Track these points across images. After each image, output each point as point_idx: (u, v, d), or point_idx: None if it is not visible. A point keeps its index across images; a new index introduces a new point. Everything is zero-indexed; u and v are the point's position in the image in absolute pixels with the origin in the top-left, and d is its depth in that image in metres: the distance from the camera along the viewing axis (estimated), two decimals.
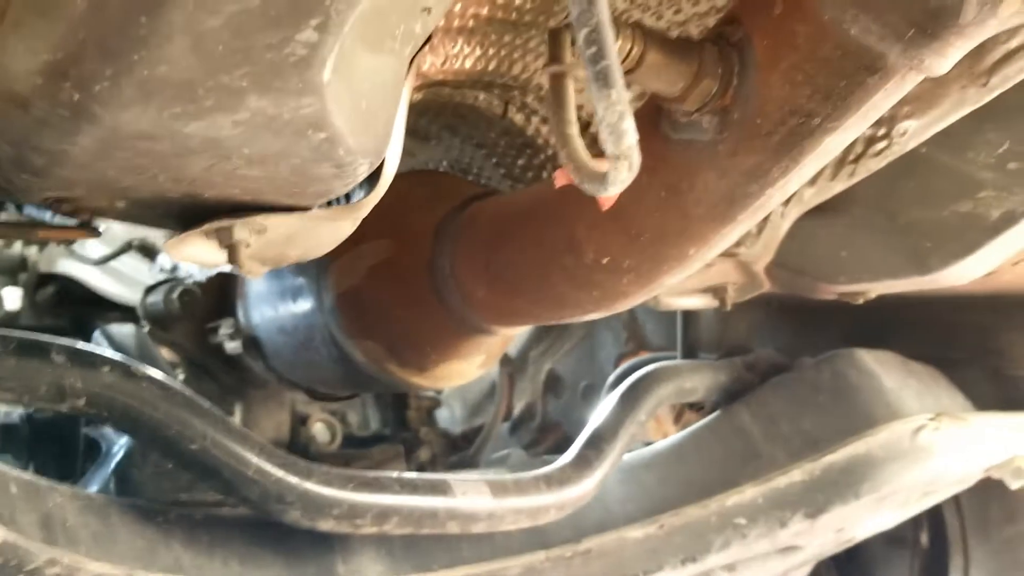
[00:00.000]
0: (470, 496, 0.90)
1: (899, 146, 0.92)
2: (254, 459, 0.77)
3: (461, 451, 1.77)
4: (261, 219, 0.67)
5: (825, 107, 0.68)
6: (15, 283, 1.96)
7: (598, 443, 1.05)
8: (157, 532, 0.76)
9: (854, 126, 0.70)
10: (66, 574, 0.65)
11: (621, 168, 0.52)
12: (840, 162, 0.94)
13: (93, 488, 0.86)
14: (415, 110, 0.89)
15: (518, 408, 1.94)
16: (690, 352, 1.50)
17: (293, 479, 0.79)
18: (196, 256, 0.70)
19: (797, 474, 1.12)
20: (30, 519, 0.68)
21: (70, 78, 0.46)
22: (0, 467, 0.71)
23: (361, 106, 0.56)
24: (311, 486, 0.79)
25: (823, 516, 1.11)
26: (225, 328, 1.25)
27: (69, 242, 0.82)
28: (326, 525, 0.80)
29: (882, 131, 0.92)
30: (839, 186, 0.95)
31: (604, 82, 0.49)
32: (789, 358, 1.32)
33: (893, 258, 1.05)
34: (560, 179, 0.63)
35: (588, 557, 1.00)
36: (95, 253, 1.70)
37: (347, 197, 0.73)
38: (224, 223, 0.65)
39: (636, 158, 0.52)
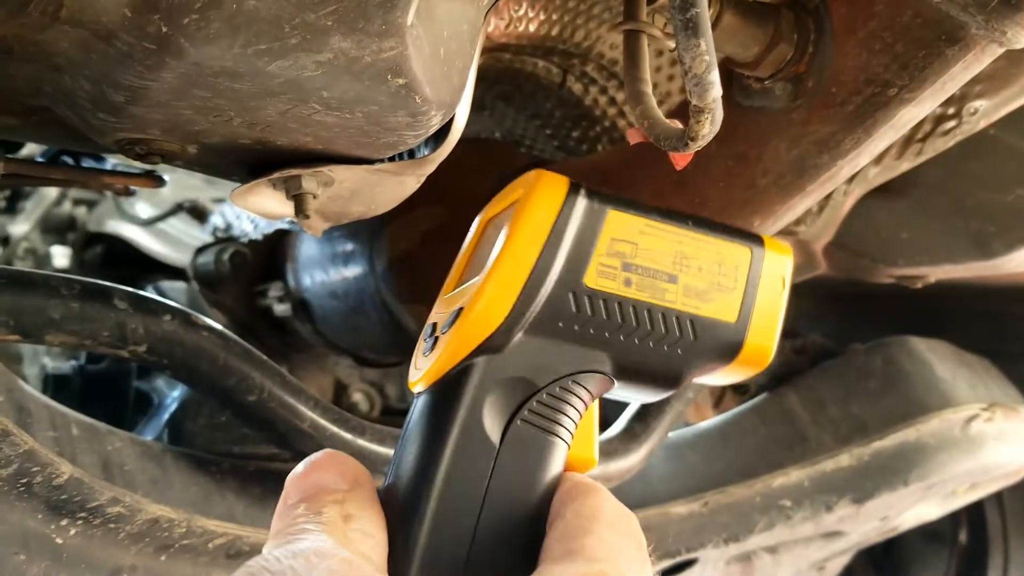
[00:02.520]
0: None
1: (968, 126, 0.90)
2: (309, 413, 0.78)
3: None
4: (328, 170, 0.66)
5: (902, 77, 0.67)
6: (63, 242, 1.99)
7: (645, 417, 1.04)
8: (211, 481, 0.77)
9: (930, 99, 0.69)
10: (128, 513, 0.66)
11: (705, 122, 0.51)
12: (907, 140, 0.92)
13: (147, 439, 0.87)
14: None
15: None
16: None
17: (347, 435, 0.79)
18: (262, 206, 0.70)
19: (845, 459, 1.11)
20: (91, 459, 0.69)
21: (160, 10, 0.46)
22: (62, 409, 0.72)
23: (439, 54, 0.55)
24: (364, 442, 0.80)
25: (869, 502, 1.09)
26: (275, 291, 1.25)
27: (130, 192, 0.83)
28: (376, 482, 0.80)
29: (952, 110, 0.90)
30: (905, 165, 0.93)
31: (693, 31, 0.48)
32: (838, 345, 1.31)
33: (955, 241, 1.04)
34: (634, 138, 0.62)
35: None
36: (144, 214, 1.72)
37: (411, 154, 0.73)
38: (293, 172, 0.65)
39: (719, 112, 0.52)
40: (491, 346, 0.45)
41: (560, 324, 0.46)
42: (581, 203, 0.48)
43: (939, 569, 1.66)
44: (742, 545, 1.07)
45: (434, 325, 0.49)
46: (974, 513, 1.59)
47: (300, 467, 0.43)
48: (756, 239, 0.53)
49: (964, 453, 1.13)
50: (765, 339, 0.52)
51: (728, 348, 0.51)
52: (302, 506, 0.41)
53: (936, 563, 1.67)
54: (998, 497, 1.54)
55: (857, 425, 1.14)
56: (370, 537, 0.41)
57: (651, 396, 0.51)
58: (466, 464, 0.42)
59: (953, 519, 1.58)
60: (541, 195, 0.47)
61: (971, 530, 1.63)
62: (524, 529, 0.43)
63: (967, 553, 1.64)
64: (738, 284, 0.51)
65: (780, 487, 1.08)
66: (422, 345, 0.48)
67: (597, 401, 0.49)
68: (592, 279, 0.47)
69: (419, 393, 0.47)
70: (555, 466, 0.44)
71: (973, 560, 1.62)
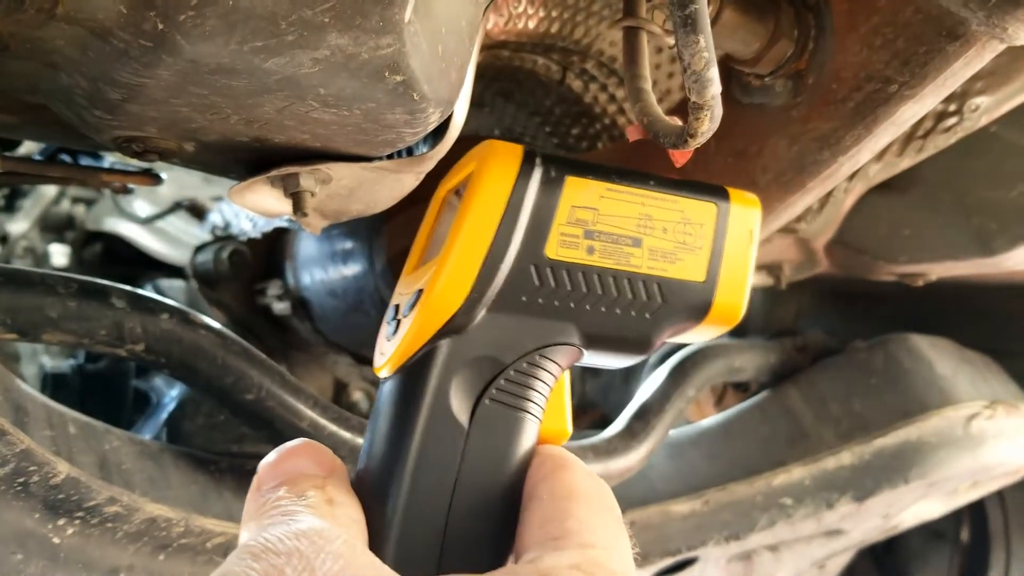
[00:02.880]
0: None
1: (970, 123, 0.90)
2: (308, 412, 0.78)
3: None
4: (326, 168, 0.66)
5: (903, 74, 0.67)
6: (62, 240, 1.99)
7: (646, 416, 1.04)
8: (209, 480, 0.77)
9: (931, 95, 0.68)
10: (125, 513, 0.66)
11: (704, 119, 0.51)
12: (908, 137, 0.92)
13: (145, 437, 0.87)
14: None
15: None
16: (737, 334, 1.48)
17: (346, 433, 0.79)
18: (260, 204, 0.70)
19: (846, 456, 1.11)
20: (89, 459, 0.69)
21: (156, 7, 0.45)
22: (59, 407, 0.72)
23: (437, 51, 0.55)
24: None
25: (871, 500, 1.09)
26: (273, 289, 1.25)
27: (128, 190, 0.82)
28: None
29: (953, 106, 0.90)
30: (906, 162, 0.93)
31: (692, 27, 0.48)
32: (839, 342, 1.30)
33: (957, 238, 1.03)
34: (633, 135, 0.62)
35: (631, 529, 1.00)
36: (143, 212, 1.72)
37: (410, 151, 0.72)
38: (291, 169, 0.64)
39: (719, 109, 0.51)
40: (453, 327, 0.44)
41: (524, 299, 0.45)
42: (537, 172, 0.46)
43: (941, 567, 1.66)
44: (743, 543, 1.07)
45: (396, 307, 0.48)
46: (976, 511, 1.59)
47: (273, 454, 0.43)
48: (721, 192, 0.51)
49: (965, 451, 1.13)
50: (735, 296, 0.51)
51: (698, 308, 0.50)
52: (283, 489, 0.40)
53: (938, 561, 1.67)
54: (1000, 495, 1.54)
55: (858, 423, 1.14)
56: (355, 522, 0.40)
57: (622, 362, 0.50)
58: (436, 447, 0.42)
59: (955, 517, 1.58)
60: (494, 167, 0.46)
61: (973, 528, 1.63)
62: (499, 506, 0.43)
63: (969, 551, 1.63)
64: (705, 242, 0.50)
65: (781, 485, 1.08)
66: (385, 329, 0.47)
67: (568, 372, 0.48)
68: (554, 250, 0.46)
69: (385, 378, 0.46)
70: (527, 442, 0.44)
71: (975, 558, 1.62)
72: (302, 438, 0.44)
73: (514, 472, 0.43)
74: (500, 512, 0.43)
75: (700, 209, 0.50)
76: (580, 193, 0.47)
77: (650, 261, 0.48)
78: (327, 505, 0.40)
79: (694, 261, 0.49)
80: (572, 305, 0.46)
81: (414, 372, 0.44)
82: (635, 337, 0.48)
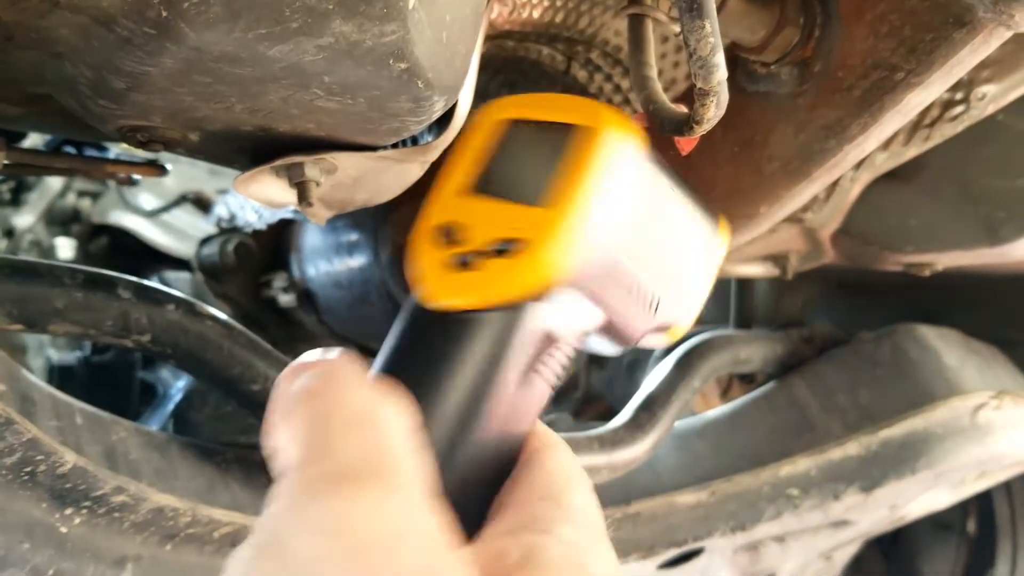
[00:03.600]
0: None
1: (977, 111, 0.89)
2: None
3: None
4: (331, 158, 0.66)
5: (909, 61, 0.66)
6: (68, 234, 1.99)
7: (652, 407, 1.04)
8: (216, 471, 0.77)
9: (937, 83, 0.68)
10: (132, 502, 0.66)
11: (710, 105, 0.50)
12: (915, 126, 0.91)
13: (151, 428, 0.87)
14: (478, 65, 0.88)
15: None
16: (743, 325, 1.48)
17: None
18: (264, 194, 0.70)
19: (853, 447, 1.10)
20: (95, 449, 0.69)
21: None
22: (66, 398, 0.72)
23: (442, 38, 0.55)
24: None
25: (877, 491, 1.09)
26: (279, 281, 1.25)
27: (133, 181, 0.82)
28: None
29: (960, 95, 0.89)
30: (912, 151, 0.93)
31: (698, 13, 0.48)
32: (846, 333, 1.30)
33: (964, 228, 1.03)
34: (639, 122, 0.61)
35: (637, 520, 1.00)
36: (148, 205, 1.72)
37: (415, 140, 0.72)
38: (296, 159, 0.64)
39: (725, 95, 0.51)
40: (544, 293, 0.43)
41: (590, 284, 0.44)
42: (645, 161, 0.45)
43: (948, 558, 1.66)
44: (749, 534, 1.06)
45: (459, 234, 0.44)
46: (983, 502, 1.59)
47: (301, 358, 0.38)
48: (715, 218, 0.51)
49: (972, 441, 1.12)
50: (691, 317, 0.52)
51: (666, 324, 0.50)
52: (339, 441, 0.34)
53: (945, 552, 1.67)
54: (1007, 486, 1.54)
55: (865, 413, 1.14)
56: (420, 465, 0.36)
57: (605, 351, 0.50)
58: (491, 407, 0.41)
59: (962, 508, 1.57)
60: (616, 140, 0.44)
61: (980, 519, 1.62)
62: (501, 470, 0.43)
63: (976, 542, 1.63)
64: (692, 263, 0.50)
65: (788, 476, 1.08)
66: (440, 251, 0.44)
67: None
68: (623, 241, 0.45)
69: (440, 312, 0.43)
70: (536, 416, 0.44)
71: (982, 549, 1.62)
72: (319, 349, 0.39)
73: (522, 442, 0.44)
74: (500, 475, 0.43)
75: (701, 230, 0.51)
76: (655, 190, 0.46)
77: (662, 272, 0.48)
78: (378, 406, 0.36)
79: (681, 279, 0.50)
80: (613, 299, 0.46)
81: (490, 324, 0.42)
82: (629, 334, 0.49)
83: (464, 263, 0.43)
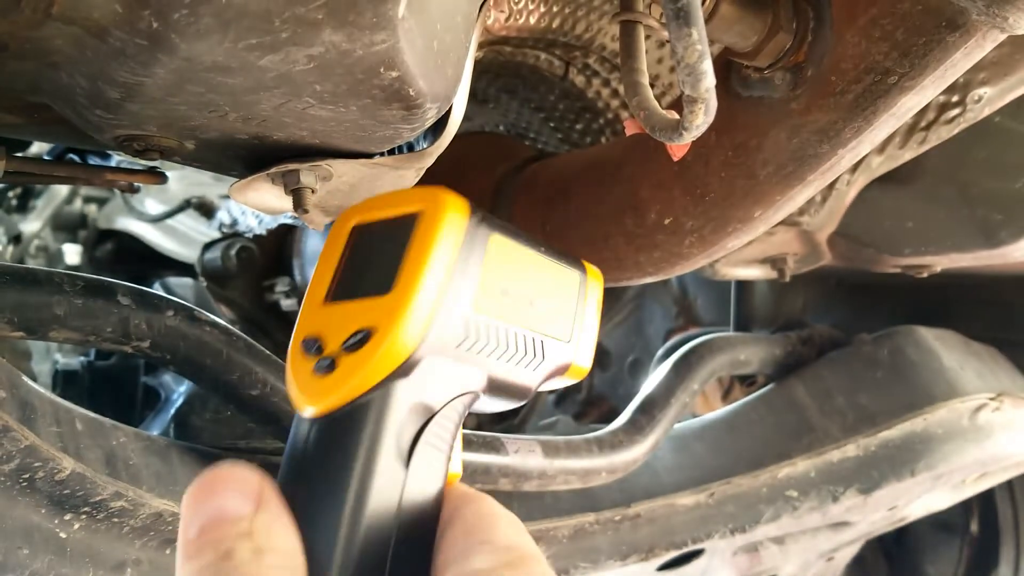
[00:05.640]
0: (522, 454, 0.90)
1: (972, 113, 0.89)
2: None
3: (506, 420, 1.77)
4: (326, 164, 0.67)
5: (902, 65, 0.66)
6: (75, 240, 2.00)
7: (650, 409, 1.04)
8: None
9: (931, 86, 0.68)
10: (131, 508, 0.66)
11: (698, 112, 0.51)
12: (911, 129, 0.92)
13: (153, 433, 0.87)
14: (476, 71, 0.88)
15: None
16: (743, 327, 1.48)
17: None
18: (261, 201, 0.70)
19: (852, 449, 1.10)
20: (95, 455, 0.69)
21: (150, 6, 0.46)
22: (66, 404, 0.73)
23: (433, 46, 0.55)
24: None
25: (876, 492, 1.09)
26: (281, 286, 1.26)
27: (135, 189, 0.83)
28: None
29: (955, 97, 0.89)
30: (908, 154, 0.93)
31: (684, 20, 0.48)
32: (845, 335, 1.30)
33: (961, 230, 1.03)
34: (631, 128, 0.62)
35: (637, 522, 1.00)
36: (153, 210, 1.73)
37: (410, 147, 0.73)
38: (291, 166, 0.65)
39: (713, 102, 0.51)
40: (403, 371, 0.44)
41: (455, 347, 0.46)
42: (480, 229, 0.48)
43: (951, 559, 1.66)
44: (749, 536, 1.07)
45: (317, 342, 0.46)
46: (985, 503, 1.58)
47: (194, 487, 0.40)
48: (578, 263, 0.55)
49: (972, 443, 1.12)
50: (588, 355, 0.55)
51: (563, 365, 0.53)
52: (207, 548, 0.37)
53: (948, 553, 1.67)
54: (1009, 486, 1.54)
55: (864, 415, 1.14)
56: (287, 570, 0.39)
57: (504, 407, 0.53)
58: (378, 494, 0.42)
59: (964, 509, 1.57)
60: (451, 217, 0.47)
61: (982, 520, 1.62)
62: (427, 540, 0.44)
63: (978, 543, 1.63)
64: (570, 306, 0.54)
65: (786, 478, 1.08)
66: (307, 363, 0.46)
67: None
68: (478, 304, 0.47)
69: (315, 417, 0.45)
70: (444, 482, 0.46)
71: (984, 549, 1.61)
72: (223, 463, 0.41)
73: (435, 511, 0.45)
74: (428, 545, 0.44)
75: (569, 276, 0.54)
76: (500, 252, 0.49)
77: (540, 321, 0.51)
78: (255, 560, 0.38)
79: (564, 323, 0.53)
80: (485, 357, 0.48)
81: (358, 416, 0.43)
82: (521, 387, 0.51)
83: (326, 367, 0.45)
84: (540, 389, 0.55)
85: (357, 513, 0.42)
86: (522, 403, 0.52)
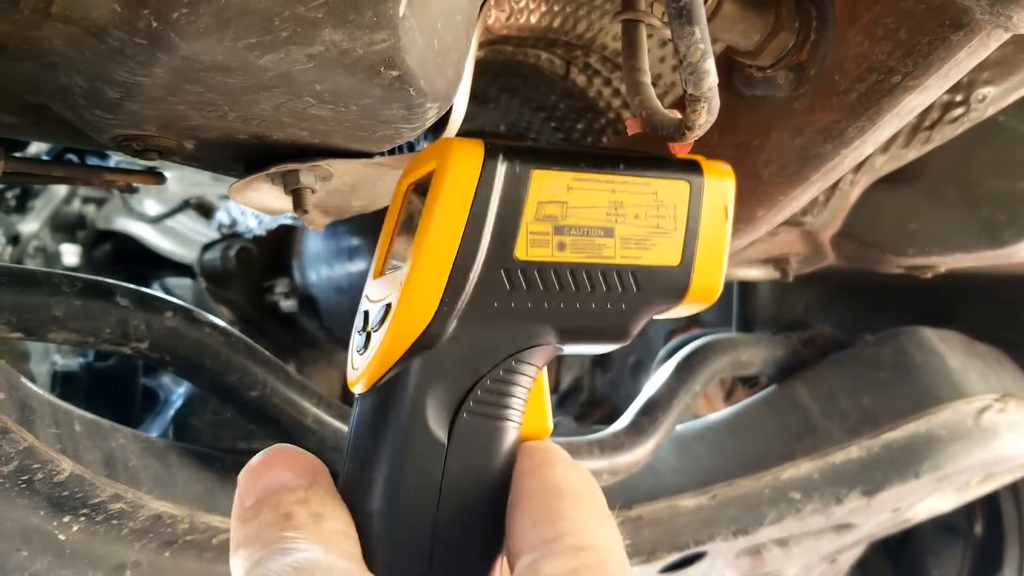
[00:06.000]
0: None
1: (977, 113, 0.89)
2: (312, 409, 0.78)
3: None
4: (326, 164, 0.66)
5: (906, 64, 0.66)
6: (73, 240, 2.00)
7: (652, 411, 1.04)
8: (215, 477, 0.77)
9: (935, 86, 0.68)
10: (130, 510, 0.66)
11: (701, 111, 0.50)
12: (915, 128, 0.91)
13: (152, 435, 0.87)
14: (476, 70, 0.88)
15: (565, 382, 1.93)
16: (745, 328, 1.48)
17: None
18: (260, 201, 0.70)
19: (855, 450, 1.10)
20: (94, 456, 0.69)
21: (149, 5, 0.46)
22: (65, 406, 0.72)
23: (433, 46, 0.55)
24: None
25: (880, 494, 1.09)
26: (281, 287, 1.26)
27: (133, 189, 0.83)
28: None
29: (959, 97, 0.89)
30: (912, 154, 0.92)
31: (687, 19, 0.48)
32: (848, 336, 1.30)
33: (965, 230, 1.03)
34: (632, 128, 0.61)
35: (639, 524, 1.00)
36: (152, 211, 1.73)
37: (411, 146, 0.72)
38: (290, 166, 0.64)
39: (716, 101, 0.51)
40: (425, 343, 0.42)
41: (496, 304, 0.43)
42: (501, 169, 0.44)
43: (955, 561, 1.65)
44: (751, 538, 1.06)
45: (366, 316, 0.46)
46: (990, 505, 1.58)
47: (253, 463, 0.42)
48: (695, 168, 0.49)
49: (976, 444, 1.12)
50: (712, 276, 0.49)
51: (674, 292, 0.48)
52: (266, 510, 0.39)
53: (952, 555, 1.66)
54: (1013, 488, 1.53)
55: (867, 416, 1.13)
56: (345, 535, 0.40)
57: (600, 350, 0.49)
58: (416, 467, 0.41)
59: (968, 511, 1.57)
60: (456, 167, 0.43)
61: (986, 522, 1.62)
62: (486, 512, 0.42)
63: (983, 545, 1.62)
64: (679, 223, 0.48)
65: (789, 479, 1.08)
66: (355, 340, 0.46)
67: (545, 368, 0.47)
68: (523, 251, 0.44)
69: (360, 395, 0.45)
70: (508, 447, 0.43)
71: (989, 552, 1.61)
72: (279, 444, 0.43)
73: (498, 477, 0.43)
74: (487, 518, 0.42)
75: (673, 188, 0.48)
76: (547, 187, 0.45)
77: (623, 250, 0.46)
78: (314, 523, 0.39)
79: (669, 244, 0.48)
80: (546, 305, 0.44)
81: (388, 392, 0.43)
82: (612, 327, 0.47)
83: (363, 344, 0.44)
84: (661, 318, 0.50)
85: (393, 487, 0.41)
86: (624, 343, 0.48)
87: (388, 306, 0.43)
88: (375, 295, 0.46)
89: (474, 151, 0.44)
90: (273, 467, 0.41)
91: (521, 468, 0.43)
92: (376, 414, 0.43)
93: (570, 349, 0.47)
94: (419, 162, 0.49)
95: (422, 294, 0.42)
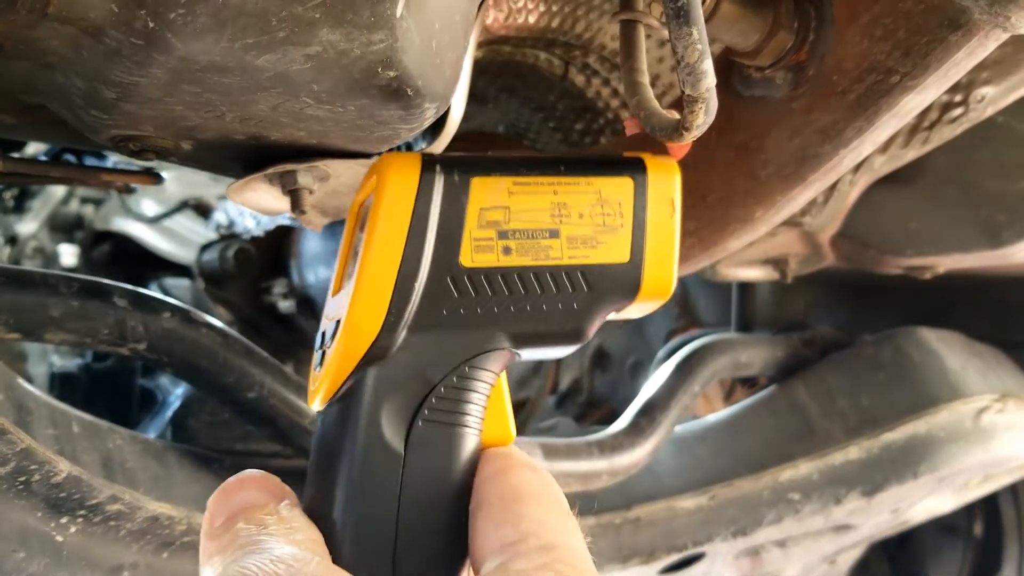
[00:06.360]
0: None
1: (976, 113, 0.89)
2: (310, 409, 0.78)
3: None
4: (324, 165, 0.66)
5: (904, 64, 0.66)
6: (71, 241, 2.00)
7: (651, 412, 1.03)
8: (213, 478, 0.77)
9: (933, 86, 0.68)
10: (127, 511, 0.66)
11: (699, 112, 0.50)
12: (913, 129, 0.91)
13: (150, 436, 0.87)
14: (475, 70, 0.88)
15: (564, 382, 1.93)
16: (745, 328, 1.47)
17: None
18: (258, 202, 0.70)
19: (854, 451, 1.10)
20: (91, 458, 0.69)
21: (146, 5, 0.45)
22: (62, 407, 0.72)
23: (431, 46, 0.55)
24: None
25: (879, 495, 1.08)
26: (279, 287, 1.25)
27: (130, 189, 0.83)
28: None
29: (958, 97, 0.89)
30: (911, 154, 0.92)
31: (684, 19, 0.48)
32: (848, 336, 1.30)
33: (964, 231, 1.02)
34: (631, 128, 0.61)
35: (638, 525, 1.00)
36: (150, 211, 1.72)
37: (408, 147, 0.72)
38: (288, 167, 0.64)
39: (714, 102, 0.51)
40: (375, 354, 0.43)
41: (444, 312, 0.44)
42: (439, 180, 0.45)
43: (954, 562, 1.65)
44: (750, 539, 1.06)
45: (323, 335, 0.46)
46: (989, 505, 1.58)
47: (221, 488, 0.43)
48: (637, 164, 0.49)
49: (976, 445, 1.12)
50: (663, 271, 0.49)
51: (626, 288, 0.48)
52: (240, 521, 0.40)
53: (951, 556, 1.66)
54: (1013, 489, 1.53)
55: (866, 417, 1.13)
56: (316, 543, 0.40)
57: (557, 353, 0.49)
58: (373, 478, 0.42)
59: (967, 512, 1.57)
60: (393, 181, 0.45)
61: (986, 522, 1.62)
62: (448, 518, 0.42)
63: (982, 546, 1.62)
64: (625, 220, 0.48)
65: (788, 480, 1.08)
66: (315, 358, 0.46)
67: (504, 374, 0.47)
68: (468, 257, 0.44)
69: (318, 411, 0.45)
70: (467, 454, 0.43)
71: (988, 552, 1.61)
72: (247, 470, 0.43)
73: (459, 484, 0.43)
74: (449, 525, 0.42)
75: (616, 186, 0.48)
76: (488, 193, 0.45)
77: (570, 251, 0.47)
78: (286, 532, 0.39)
79: (616, 242, 0.48)
80: (496, 310, 0.45)
81: (343, 405, 0.43)
82: (566, 329, 0.47)
83: (319, 361, 0.45)
84: (616, 318, 0.50)
85: (352, 498, 0.41)
86: (577, 345, 0.48)
87: (338, 322, 0.44)
88: (331, 312, 0.47)
89: (410, 165, 0.45)
90: (244, 488, 0.42)
91: (482, 474, 0.43)
92: (333, 428, 0.43)
93: (527, 354, 0.47)
94: (364, 180, 0.50)
95: (368, 307, 0.43)
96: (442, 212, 0.44)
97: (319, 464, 0.44)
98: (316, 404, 0.45)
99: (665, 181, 0.50)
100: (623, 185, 0.48)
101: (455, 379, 0.44)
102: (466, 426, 0.43)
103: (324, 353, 0.45)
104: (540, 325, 0.46)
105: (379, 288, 0.43)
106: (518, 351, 0.46)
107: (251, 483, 0.42)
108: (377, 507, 0.41)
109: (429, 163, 0.45)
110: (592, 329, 0.48)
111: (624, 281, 0.48)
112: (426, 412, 0.43)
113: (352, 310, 0.43)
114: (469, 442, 0.43)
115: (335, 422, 0.43)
